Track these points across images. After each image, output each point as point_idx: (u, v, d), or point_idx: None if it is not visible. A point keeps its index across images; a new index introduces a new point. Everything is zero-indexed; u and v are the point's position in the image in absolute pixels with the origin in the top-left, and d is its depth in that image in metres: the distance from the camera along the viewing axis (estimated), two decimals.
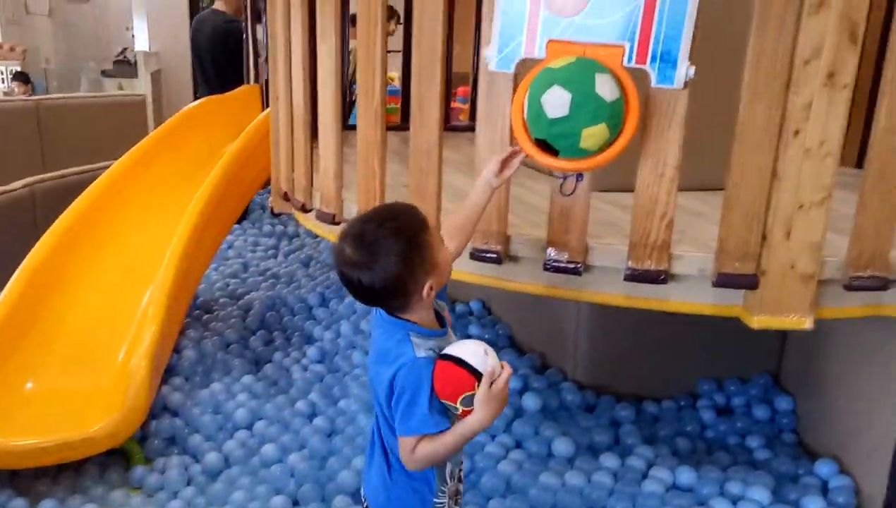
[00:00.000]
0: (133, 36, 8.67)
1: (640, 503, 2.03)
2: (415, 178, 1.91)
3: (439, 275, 1.33)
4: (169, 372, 2.77)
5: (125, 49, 9.80)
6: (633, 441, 2.36)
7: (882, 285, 1.73)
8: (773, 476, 2.22)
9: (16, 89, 7.59)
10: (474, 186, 1.61)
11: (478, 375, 1.25)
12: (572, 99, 1.45)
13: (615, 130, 1.49)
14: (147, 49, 7.22)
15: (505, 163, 1.58)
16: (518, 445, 2.33)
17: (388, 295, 1.31)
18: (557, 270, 1.78)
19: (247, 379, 2.75)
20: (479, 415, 1.26)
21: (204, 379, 2.78)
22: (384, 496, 1.42)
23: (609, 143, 1.51)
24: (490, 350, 1.30)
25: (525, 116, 1.55)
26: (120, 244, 2.99)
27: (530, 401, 2.49)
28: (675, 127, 1.63)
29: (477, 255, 1.85)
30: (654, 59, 1.53)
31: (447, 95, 2.93)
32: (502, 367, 1.28)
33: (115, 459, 2.38)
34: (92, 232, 2.93)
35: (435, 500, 1.41)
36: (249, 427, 2.51)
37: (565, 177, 1.69)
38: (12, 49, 8.10)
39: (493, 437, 2.35)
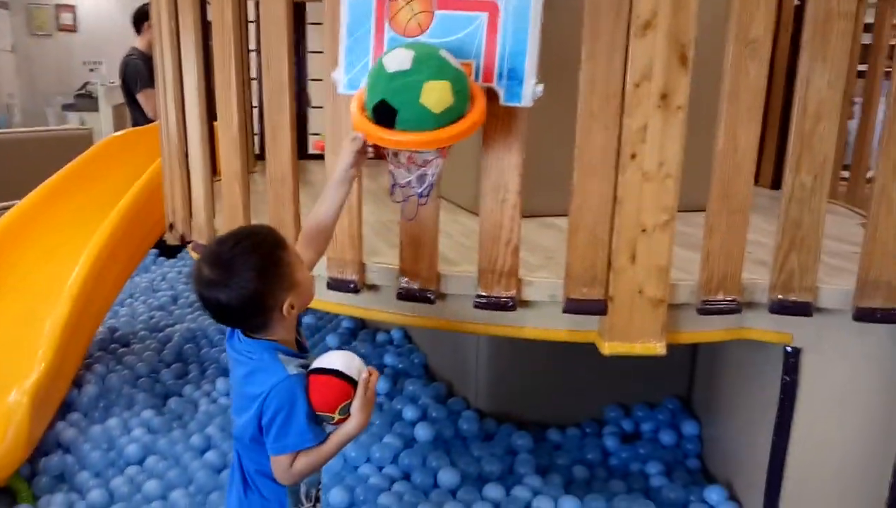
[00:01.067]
0: (91, 70, 8.70)
1: None
2: (272, 207, 1.89)
3: (300, 295, 1.33)
4: (68, 408, 2.72)
5: (87, 83, 9.83)
6: (525, 471, 2.31)
7: (735, 309, 1.71)
8: (662, 503, 2.18)
9: None
10: (327, 186, 1.55)
11: (354, 384, 1.31)
12: (415, 56, 1.40)
13: (460, 100, 1.41)
14: (108, 83, 7.24)
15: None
16: (406, 476, 2.27)
17: (247, 312, 1.30)
18: (410, 299, 1.75)
19: (147, 413, 2.68)
20: (356, 421, 1.31)
21: (103, 414, 2.71)
22: None
23: (453, 116, 1.42)
24: (356, 357, 1.34)
25: (364, 92, 1.49)
26: (23, 280, 2.93)
27: (422, 431, 2.44)
28: (515, 151, 1.61)
29: (334, 284, 1.81)
30: (500, 77, 1.50)
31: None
32: (370, 373, 1.33)
33: (2, 497, 2.31)
34: None
35: None
36: (141, 462, 2.45)
37: (406, 199, 1.65)
38: None
39: (380, 469, 2.29)
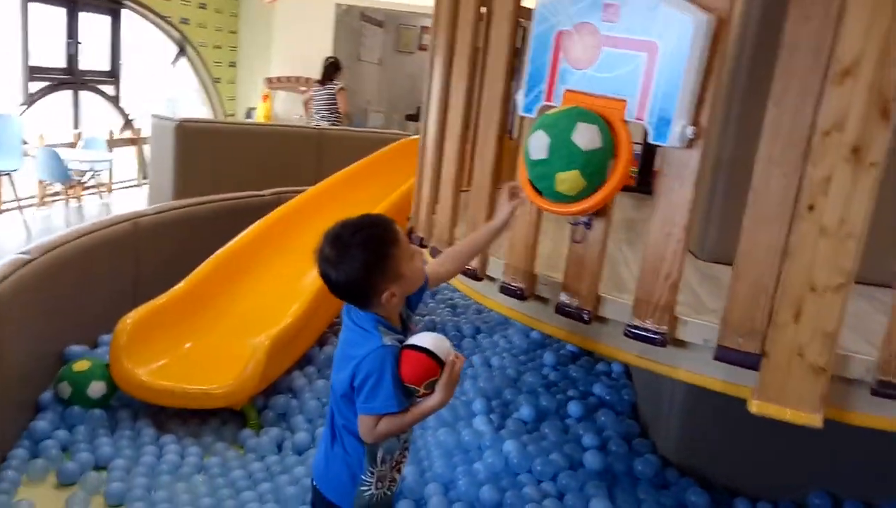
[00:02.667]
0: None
1: None
2: (472, 211, 2.07)
3: (403, 285, 1.50)
4: (308, 361, 3.20)
5: None
6: None
7: None
8: None
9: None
10: (487, 226, 1.79)
11: (441, 363, 1.44)
12: (550, 143, 1.53)
13: (592, 179, 1.53)
14: None
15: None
16: (560, 496, 2.30)
17: (351, 293, 1.51)
18: (567, 315, 1.81)
19: None
20: (439, 397, 1.45)
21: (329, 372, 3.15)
22: (324, 465, 1.62)
23: (589, 192, 1.55)
24: (447, 340, 1.47)
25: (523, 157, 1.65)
26: (297, 252, 3.47)
27: (591, 458, 2.44)
28: (686, 186, 1.59)
29: (504, 288, 1.94)
30: (651, 115, 1.53)
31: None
32: (456, 357, 1.45)
33: (236, 419, 2.81)
34: (279, 238, 3.49)
35: (362, 476, 1.56)
36: None
37: (576, 224, 1.73)
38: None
39: (539, 482, 2.35)
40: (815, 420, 1.52)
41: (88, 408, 2.61)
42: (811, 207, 1.47)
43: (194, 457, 2.48)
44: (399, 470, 1.64)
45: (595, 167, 1.53)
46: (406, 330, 1.59)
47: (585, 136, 1.51)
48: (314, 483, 1.65)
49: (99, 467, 2.38)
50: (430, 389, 1.45)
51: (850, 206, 1.44)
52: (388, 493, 1.62)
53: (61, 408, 2.62)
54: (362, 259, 1.44)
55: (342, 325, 1.61)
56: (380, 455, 1.56)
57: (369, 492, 1.57)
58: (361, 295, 1.49)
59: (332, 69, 7.23)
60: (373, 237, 1.47)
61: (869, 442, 1.65)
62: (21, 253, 2.69)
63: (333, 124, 7.19)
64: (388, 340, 1.47)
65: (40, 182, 6.45)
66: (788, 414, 1.54)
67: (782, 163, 1.49)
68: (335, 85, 7.25)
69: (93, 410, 2.61)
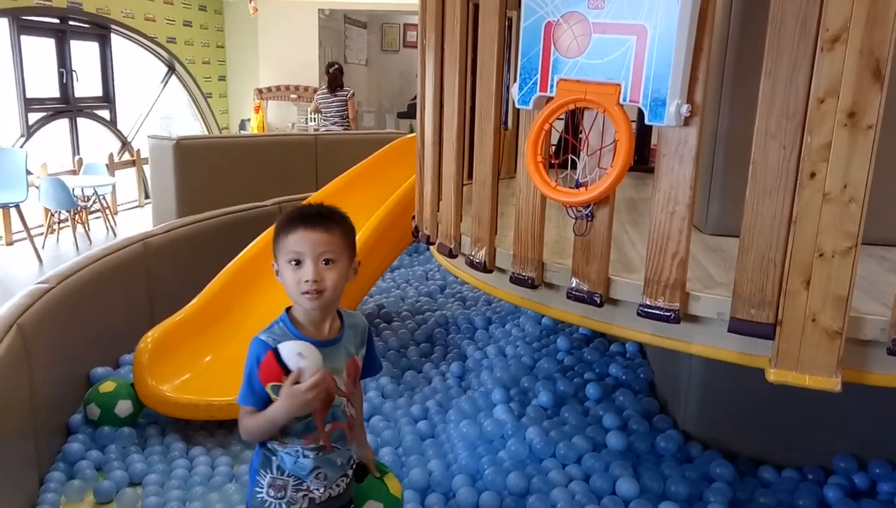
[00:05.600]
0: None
1: None
2: (475, 205, 2.10)
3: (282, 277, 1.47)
4: None
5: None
6: (714, 499, 2.23)
7: None
8: None
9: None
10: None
11: (287, 371, 1.41)
12: None
13: None
14: None
15: None
16: (587, 478, 2.33)
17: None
18: (578, 299, 1.84)
19: (384, 380, 3.09)
20: (279, 405, 1.42)
21: None
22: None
23: None
24: (311, 356, 1.41)
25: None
26: None
27: (614, 439, 2.47)
28: (686, 164, 1.62)
29: (515, 278, 1.97)
30: (645, 96, 1.56)
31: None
32: (303, 373, 1.40)
33: None
34: None
35: (256, 476, 1.55)
36: (367, 420, 2.83)
37: (576, 218, 1.76)
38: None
39: (564, 466, 2.38)
40: (833, 384, 1.55)
41: (118, 427, 2.66)
42: (812, 175, 1.49)
43: (225, 467, 2.52)
44: (309, 499, 1.53)
45: None
46: (331, 342, 1.51)
47: None
48: None
49: (133, 483, 2.42)
50: (277, 395, 1.42)
51: (851, 170, 1.46)
52: None
53: (91, 429, 2.67)
54: (280, 218, 1.49)
55: None
56: (276, 462, 1.52)
57: (261, 496, 1.53)
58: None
59: (339, 75, 7.38)
60: (289, 215, 1.48)
61: (890, 402, 1.68)
62: (39, 282, 2.73)
63: (346, 130, 7.32)
64: (266, 336, 1.46)
65: (46, 210, 6.50)
66: (807, 380, 1.57)
67: (779, 134, 1.52)
68: (347, 92, 7.43)
69: (122, 429, 2.66)
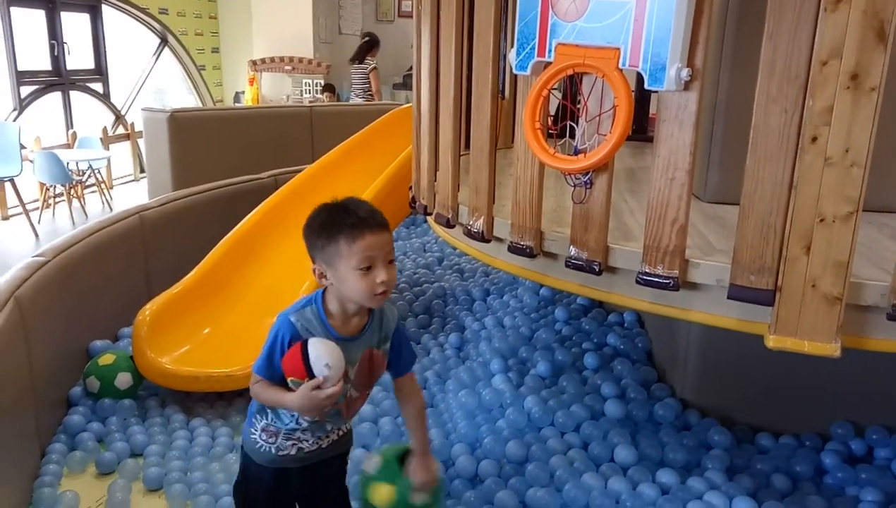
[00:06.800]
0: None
1: None
2: (472, 174, 2.08)
3: (337, 280, 1.44)
4: None
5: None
6: (712, 466, 2.24)
7: None
8: None
9: (324, 98, 8.96)
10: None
11: (310, 373, 1.42)
12: None
13: None
14: None
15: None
16: (585, 446, 2.34)
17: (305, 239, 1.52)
18: (577, 268, 1.83)
19: None
20: (293, 399, 1.45)
21: None
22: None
23: None
24: (337, 366, 1.41)
25: None
26: (301, 230, 3.52)
27: (612, 407, 2.48)
28: (686, 130, 1.60)
29: (513, 248, 1.96)
30: (645, 61, 1.54)
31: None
32: (323, 383, 1.41)
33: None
34: (283, 218, 3.51)
35: (252, 419, 1.59)
36: None
37: (575, 186, 1.75)
38: (318, 64, 9.53)
39: (562, 434, 2.39)
40: (832, 349, 1.55)
41: (118, 400, 2.67)
42: (814, 139, 1.48)
43: (225, 438, 2.53)
44: (297, 448, 1.57)
45: None
46: (355, 337, 1.50)
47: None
48: None
49: (135, 454, 2.44)
50: (295, 387, 1.45)
51: (854, 134, 1.45)
52: (281, 455, 1.56)
53: (92, 402, 2.68)
54: (319, 220, 1.47)
55: None
56: (271, 413, 1.56)
57: (254, 436, 1.57)
58: (307, 247, 1.50)
59: (364, 48, 7.38)
60: (336, 218, 1.45)
61: (888, 368, 1.68)
62: (36, 255, 2.72)
63: (368, 102, 7.33)
64: (297, 318, 1.46)
65: (41, 184, 6.46)
66: (806, 346, 1.57)
67: (781, 98, 1.50)
68: (367, 64, 7.42)
69: (122, 401, 2.67)
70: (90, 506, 2.21)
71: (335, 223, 1.43)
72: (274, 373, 1.48)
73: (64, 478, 2.31)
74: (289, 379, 1.46)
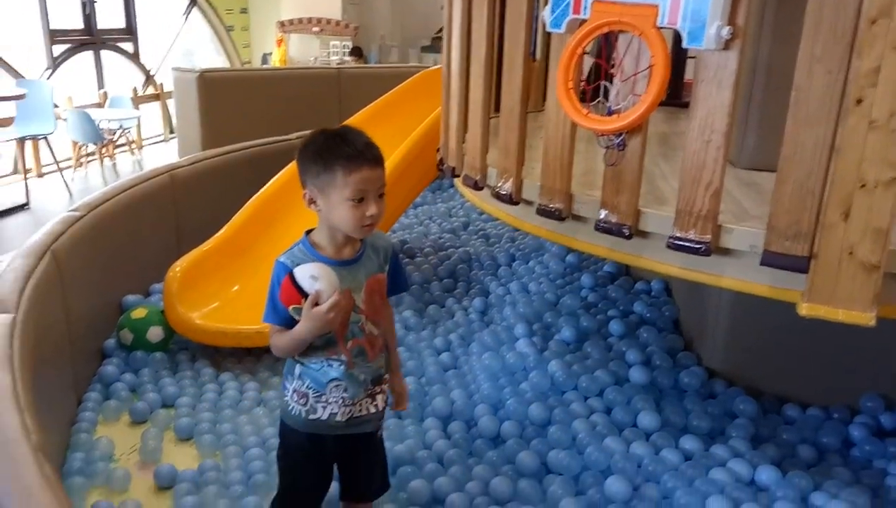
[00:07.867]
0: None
1: (696, 486, 1.96)
2: (503, 134, 2.06)
3: (326, 207, 1.46)
4: None
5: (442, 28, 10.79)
6: (736, 434, 2.24)
7: None
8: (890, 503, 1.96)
9: (351, 61, 8.92)
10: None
11: (304, 294, 1.44)
12: None
13: None
14: None
15: None
16: (608, 411, 2.34)
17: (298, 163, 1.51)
18: (607, 231, 1.81)
19: (408, 313, 3.12)
20: (301, 325, 1.45)
21: None
22: None
23: None
24: (325, 276, 1.43)
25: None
26: None
27: (637, 374, 2.48)
28: (725, 90, 1.56)
29: (542, 210, 1.94)
30: (684, 19, 1.50)
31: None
32: (339, 294, 1.43)
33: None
34: None
35: (286, 382, 1.59)
36: None
37: (607, 148, 1.72)
38: (346, 26, 9.47)
39: (585, 399, 2.40)
40: (868, 318, 1.52)
41: (150, 352, 2.73)
42: (859, 101, 1.44)
43: (253, 392, 2.58)
44: (329, 410, 1.56)
45: None
46: (351, 261, 1.52)
47: None
48: None
49: (166, 405, 2.50)
50: (299, 316, 1.45)
51: None
52: (311, 419, 1.56)
53: (125, 354, 2.75)
54: (316, 147, 1.46)
55: None
56: (298, 371, 1.56)
57: (287, 398, 1.59)
58: (300, 171, 1.50)
59: None
60: (334, 146, 1.44)
61: None
62: (70, 210, 2.76)
63: None
64: (286, 257, 1.49)
65: (74, 143, 6.53)
66: (840, 315, 1.54)
67: (825, 58, 1.45)
68: None
69: (154, 354, 2.73)
70: (124, 452, 2.28)
71: (332, 151, 1.43)
72: (279, 314, 1.49)
73: (99, 425, 2.38)
74: (290, 309, 1.47)
